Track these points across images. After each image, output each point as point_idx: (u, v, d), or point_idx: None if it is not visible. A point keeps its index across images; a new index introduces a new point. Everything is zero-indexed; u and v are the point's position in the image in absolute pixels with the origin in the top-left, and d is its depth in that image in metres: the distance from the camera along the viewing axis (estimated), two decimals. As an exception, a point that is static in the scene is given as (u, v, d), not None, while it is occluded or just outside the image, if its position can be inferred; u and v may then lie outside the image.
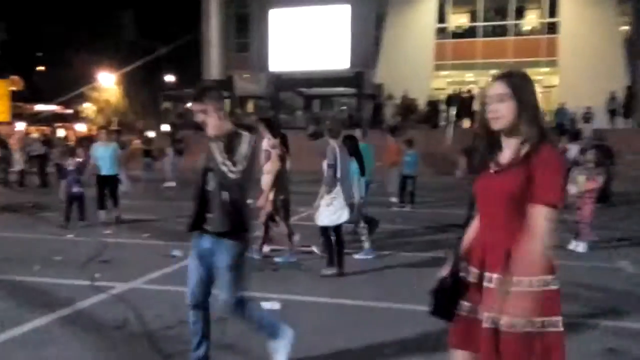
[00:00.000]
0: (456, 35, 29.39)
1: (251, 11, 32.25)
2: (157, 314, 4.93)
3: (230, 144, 3.31)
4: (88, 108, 36.26)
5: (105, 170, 9.67)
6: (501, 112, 2.17)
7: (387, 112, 25.13)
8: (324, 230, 6.35)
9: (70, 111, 37.32)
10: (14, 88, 31.02)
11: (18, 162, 16.79)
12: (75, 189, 9.47)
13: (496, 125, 2.20)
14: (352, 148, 6.98)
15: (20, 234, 8.86)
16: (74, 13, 38.70)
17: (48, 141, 19.43)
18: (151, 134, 21.14)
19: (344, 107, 29.21)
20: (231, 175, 3.24)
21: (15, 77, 31.88)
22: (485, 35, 28.73)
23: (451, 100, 24.66)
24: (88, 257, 7.19)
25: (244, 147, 3.30)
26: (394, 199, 12.53)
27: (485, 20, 29.00)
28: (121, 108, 36.28)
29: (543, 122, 2.21)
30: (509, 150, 2.22)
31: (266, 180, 6.72)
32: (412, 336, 4.41)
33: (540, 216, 2.07)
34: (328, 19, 30.29)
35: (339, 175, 6.18)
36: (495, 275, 2.19)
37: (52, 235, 8.77)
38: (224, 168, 3.24)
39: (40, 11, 39.56)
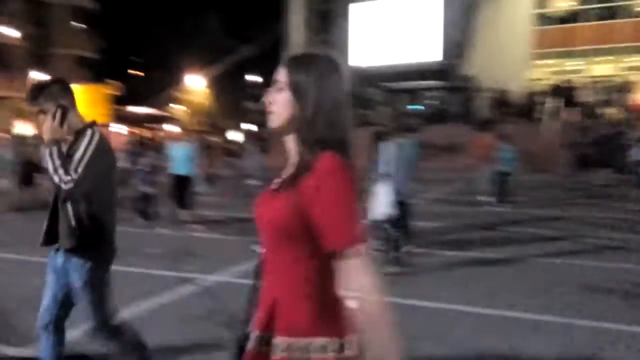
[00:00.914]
0: (558, 20, 27.84)
1: (332, 7, 32.42)
2: (241, 306, 5.03)
3: (71, 147, 2.89)
4: (178, 109, 38.18)
5: (179, 170, 9.72)
6: (276, 106, 1.60)
7: (478, 105, 24.31)
8: (381, 224, 6.24)
9: (163, 113, 39.50)
10: (113, 92, 33.36)
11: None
12: (144, 188, 9.70)
13: (270, 123, 1.61)
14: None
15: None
16: (165, 17, 40.87)
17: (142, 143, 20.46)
18: (234, 133, 21.82)
19: (431, 101, 28.59)
20: (63, 186, 2.75)
21: (114, 82, 34.27)
22: (591, 20, 26.97)
23: (555, 91, 23.37)
24: (178, 250, 7.53)
25: (80, 151, 2.83)
26: (484, 198, 12.07)
27: (592, 2, 27.19)
28: (209, 109, 37.88)
29: (338, 131, 1.56)
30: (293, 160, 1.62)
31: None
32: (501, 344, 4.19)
33: (346, 265, 1.48)
34: (414, 10, 29.75)
35: (391, 172, 6.21)
36: (277, 340, 1.59)
37: (141, 229, 9.27)
38: (56, 178, 2.76)
39: (136, 18, 42.23)
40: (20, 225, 9.58)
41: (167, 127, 39.47)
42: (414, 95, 30.23)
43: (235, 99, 37.20)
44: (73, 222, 2.88)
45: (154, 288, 5.69)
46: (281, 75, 1.59)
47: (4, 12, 26.91)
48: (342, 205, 1.47)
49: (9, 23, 27.81)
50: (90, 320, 3.06)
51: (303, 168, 1.52)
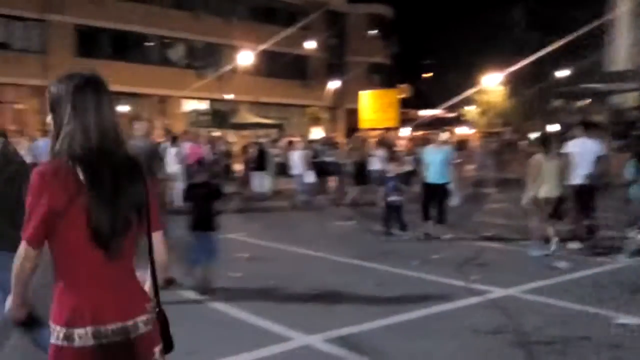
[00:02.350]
0: None
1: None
2: (536, 325, 4.77)
3: None
4: (470, 111, 38.06)
5: (433, 178, 8.89)
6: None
7: None
8: None
9: (453, 115, 39.92)
10: (402, 96, 35.17)
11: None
12: (392, 198, 9.08)
13: None
14: None
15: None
16: (462, 16, 41.23)
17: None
18: (535, 134, 20.61)
19: None
20: None
21: (404, 86, 36.07)
22: None
23: None
24: (464, 258, 7.49)
25: None
26: None
27: None
28: (506, 109, 36.78)
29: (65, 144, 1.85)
30: None
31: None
32: None
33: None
34: None
35: None
36: None
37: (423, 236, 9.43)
38: None
39: (429, 22, 43.70)
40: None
41: (457, 129, 39.88)
42: None
43: (541, 98, 35.33)
44: None
45: (440, 295, 5.79)
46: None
47: (306, 26, 30.69)
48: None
49: (309, 36, 31.68)
50: None
51: None
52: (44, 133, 18.82)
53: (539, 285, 6.11)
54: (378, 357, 4.14)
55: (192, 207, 5.86)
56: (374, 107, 32.80)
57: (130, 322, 1.87)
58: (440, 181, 8.89)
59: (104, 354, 1.82)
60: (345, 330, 4.67)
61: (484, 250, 8.08)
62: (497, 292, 5.84)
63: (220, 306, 5.43)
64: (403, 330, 4.74)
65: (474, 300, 5.63)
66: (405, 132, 30.76)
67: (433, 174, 8.87)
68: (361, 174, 13.45)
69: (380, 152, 14.00)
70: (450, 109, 37.68)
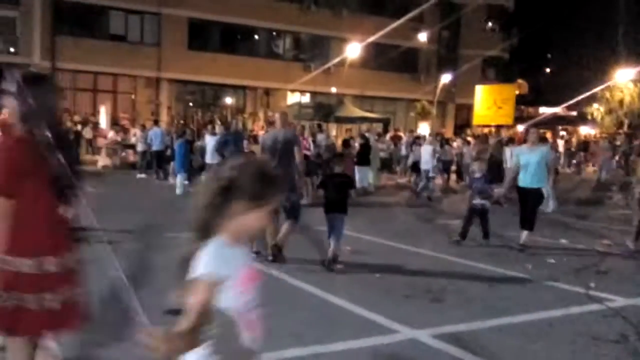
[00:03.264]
0: None
1: None
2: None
3: None
4: (595, 109, 35.94)
5: (525, 182, 8.24)
6: None
7: None
8: None
9: (573, 113, 38.00)
10: (519, 92, 33.97)
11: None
12: (477, 201, 8.51)
13: None
14: None
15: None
16: (587, 10, 39.07)
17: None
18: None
19: None
20: None
21: (522, 82, 34.82)
22: None
23: None
24: (583, 264, 7.25)
25: None
26: None
27: None
28: (636, 108, 34.38)
29: None
30: None
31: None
32: None
33: None
34: None
35: None
36: None
37: (543, 237, 9.13)
38: None
39: (551, 14, 41.69)
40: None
41: (581, 128, 37.87)
42: None
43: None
44: None
45: (557, 300, 5.69)
46: None
47: (418, 18, 30.17)
48: None
49: (421, 28, 31.16)
50: None
51: None
52: (155, 122, 20.27)
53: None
54: (488, 356, 4.16)
55: (327, 193, 6.93)
56: (488, 102, 32.00)
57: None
58: (535, 185, 8.20)
59: None
60: (453, 328, 4.73)
61: (605, 257, 7.76)
62: (619, 301, 5.64)
63: (321, 293, 5.63)
64: (515, 332, 4.73)
65: (592, 307, 5.48)
66: (521, 129, 29.75)
67: (526, 176, 8.18)
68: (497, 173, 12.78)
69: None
70: (572, 107, 35.91)
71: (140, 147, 18.39)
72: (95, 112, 26.31)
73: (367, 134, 17.58)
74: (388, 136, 23.81)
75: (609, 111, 34.91)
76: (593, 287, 6.12)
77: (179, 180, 13.78)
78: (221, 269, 1.77)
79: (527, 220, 8.20)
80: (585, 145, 29.52)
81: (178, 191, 13.41)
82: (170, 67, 26.80)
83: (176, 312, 1.77)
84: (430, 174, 14.48)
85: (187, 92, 29.34)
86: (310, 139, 14.24)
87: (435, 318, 4.96)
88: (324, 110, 26.30)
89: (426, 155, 14.54)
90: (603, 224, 10.85)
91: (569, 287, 6.16)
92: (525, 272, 6.80)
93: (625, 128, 31.86)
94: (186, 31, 27.83)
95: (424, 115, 33.53)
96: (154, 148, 17.18)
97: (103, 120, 26.18)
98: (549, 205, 9.15)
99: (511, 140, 17.30)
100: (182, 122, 25.57)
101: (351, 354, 4.17)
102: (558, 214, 11.65)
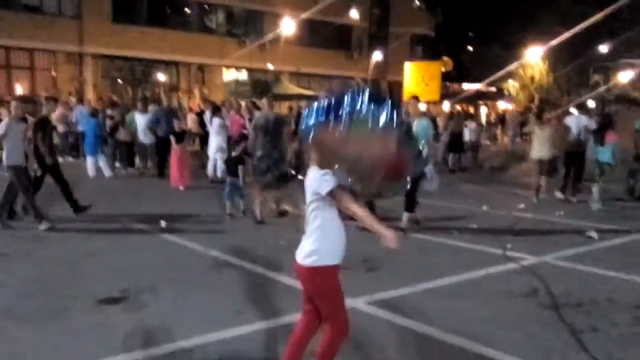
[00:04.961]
0: None
1: None
2: (567, 289, 5.24)
3: None
4: (512, 85, 37.70)
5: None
6: None
7: None
8: None
9: (493, 89, 39.54)
10: (444, 69, 34.95)
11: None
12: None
13: None
14: None
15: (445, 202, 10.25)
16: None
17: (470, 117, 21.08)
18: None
19: None
20: None
21: (447, 59, 35.77)
22: None
23: None
24: (501, 228, 7.96)
25: None
26: None
27: None
28: (545, 84, 36.38)
29: None
30: None
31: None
32: None
33: None
34: None
35: None
36: None
37: (468, 205, 9.90)
38: None
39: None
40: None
41: (499, 103, 39.49)
42: None
43: (580, 73, 34.85)
44: None
45: (476, 261, 6.25)
46: None
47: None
48: None
49: (353, 5, 31.48)
50: None
51: None
52: (79, 100, 18.73)
53: (570, 254, 6.62)
54: (419, 318, 4.53)
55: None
56: (417, 79, 32.73)
57: None
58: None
59: None
60: (386, 294, 5.09)
61: (520, 221, 8.51)
62: (530, 260, 6.27)
63: (263, 271, 5.89)
64: (443, 294, 5.20)
65: (507, 267, 6.09)
66: (446, 105, 30.81)
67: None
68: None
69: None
70: (492, 83, 37.36)
71: (60, 128, 16.38)
72: (11, 91, 23.57)
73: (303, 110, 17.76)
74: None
75: (523, 87, 36.73)
76: (509, 248, 6.75)
77: (89, 162, 13.00)
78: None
79: (406, 201, 7.79)
80: (502, 119, 31.24)
81: (106, 173, 12.84)
82: (93, 42, 25.12)
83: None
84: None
85: (114, 69, 27.21)
86: (247, 117, 14.18)
87: (370, 286, 5.26)
88: (260, 87, 26.10)
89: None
90: (518, 189, 11.77)
91: (489, 250, 6.74)
92: (451, 238, 7.39)
93: (535, 102, 33.51)
94: (109, 3, 25.94)
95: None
96: (80, 129, 15.49)
97: (20, 100, 24.15)
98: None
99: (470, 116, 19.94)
100: (113, 99, 24.07)
101: (293, 326, 4.43)
102: (480, 185, 12.56)
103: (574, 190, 10.79)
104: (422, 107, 10.46)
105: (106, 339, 4.04)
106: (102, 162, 13.11)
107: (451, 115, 20.15)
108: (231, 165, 8.78)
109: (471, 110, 28.52)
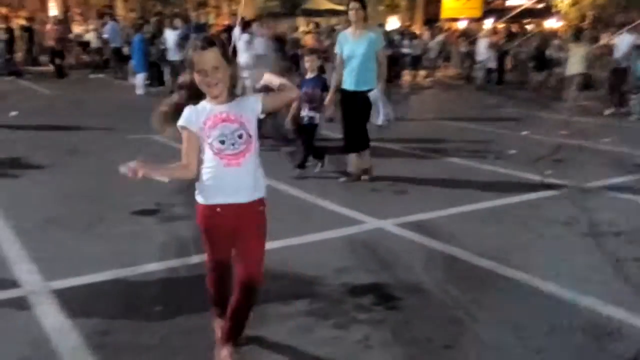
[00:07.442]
0: None
1: None
2: (609, 218, 4.95)
3: None
4: (561, 2, 35.35)
5: (349, 84, 6.04)
6: None
7: None
8: None
9: (541, 6, 37.36)
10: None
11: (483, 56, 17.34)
12: (305, 113, 6.41)
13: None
14: None
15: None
16: None
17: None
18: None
19: None
20: None
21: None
22: None
23: None
24: (541, 154, 7.51)
25: None
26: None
27: None
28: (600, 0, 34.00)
29: None
30: None
31: None
32: None
33: None
34: None
35: None
36: None
37: (508, 130, 9.43)
38: None
39: None
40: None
41: (546, 22, 37.40)
42: None
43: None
44: None
45: (514, 188, 5.98)
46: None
47: None
48: None
49: None
50: None
51: None
52: (111, 17, 18.54)
53: (618, 181, 6.24)
54: (447, 241, 4.38)
55: None
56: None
57: None
58: (360, 88, 5.92)
59: None
60: (417, 217, 4.95)
61: (562, 147, 8.03)
62: (570, 187, 5.92)
63: (295, 191, 5.79)
64: (473, 218, 4.99)
65: (546, 193, 5.76)
66: (489, 23, 29.31)
67: (350, 76, 5.96)
68: None
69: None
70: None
71: (95, 44, 17.12)
72: (45, 8, 24.04)
73: (337, 28, 16.85)
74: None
75: (575, 2, 34.37)
76: (549, 174, 6.37)
77: (138, 80, 13.14)
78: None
79: (351, 140, 6.10)
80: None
81: (139, 91, 12.93)
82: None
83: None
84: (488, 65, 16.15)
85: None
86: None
87: (400, 209, 5.16)
88: (290, 3, 25.09)
89: (483, 48, 16.20)
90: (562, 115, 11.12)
91: (526, 175, 6.42)
92: (486, 163, 7.05)
93: (587, 21, 31.57)
94: None
95: (393, 9, 32.57)
96: (112, 45, 15.84)
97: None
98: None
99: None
100: (140, 16, 23.66)
101: (320, 245, 4.36)
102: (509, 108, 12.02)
103: (620, 103, 11.46)
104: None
105: (142, 247, 4.19)
106: (139, 80, 13.17)
107: (509, 34, 19.76)
108: None
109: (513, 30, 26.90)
